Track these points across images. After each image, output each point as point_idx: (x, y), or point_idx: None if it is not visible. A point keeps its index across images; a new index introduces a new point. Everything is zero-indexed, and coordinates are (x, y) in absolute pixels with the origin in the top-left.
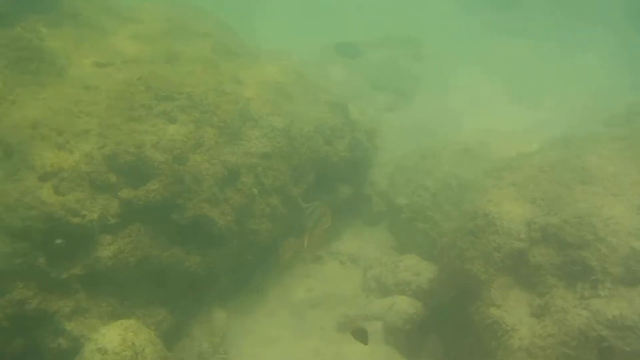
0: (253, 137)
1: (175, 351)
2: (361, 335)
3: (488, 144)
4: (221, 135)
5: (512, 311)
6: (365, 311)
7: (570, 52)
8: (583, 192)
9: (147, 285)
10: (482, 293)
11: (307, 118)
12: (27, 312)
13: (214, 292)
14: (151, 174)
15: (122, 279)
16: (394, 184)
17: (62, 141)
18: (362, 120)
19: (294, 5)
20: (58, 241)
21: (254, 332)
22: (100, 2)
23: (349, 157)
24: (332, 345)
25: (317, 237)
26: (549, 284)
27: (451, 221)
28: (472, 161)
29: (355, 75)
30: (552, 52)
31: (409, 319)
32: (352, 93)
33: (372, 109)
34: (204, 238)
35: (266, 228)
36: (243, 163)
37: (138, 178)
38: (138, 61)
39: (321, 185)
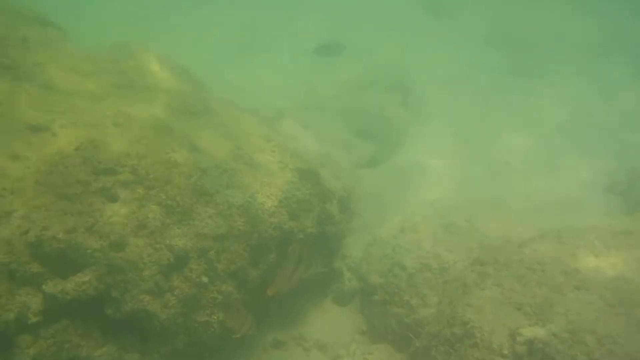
0: (206, 216)
1: None
2: None
3: (476, 218)
4: (169, 215)
5: None
6: None
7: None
8: (577, 301)
9: None
10: None
11: (270, 190)
12: None
13: None
14: (83, 263)
15: None
16: (368, 259)
17: None
18: (335, 186)
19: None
20: None
21: None
22: (40, 51)
23: (317, 233)
24: None
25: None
26: None
27: (429, 308)
28: (455, 239)
29: (339, 121)
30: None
31: None
32: (331, 143)
33: (351, 162)
34: (144, 332)
35: (218, 319)
36: (193, 247)
37: (67, 268)
38: (78, 124)
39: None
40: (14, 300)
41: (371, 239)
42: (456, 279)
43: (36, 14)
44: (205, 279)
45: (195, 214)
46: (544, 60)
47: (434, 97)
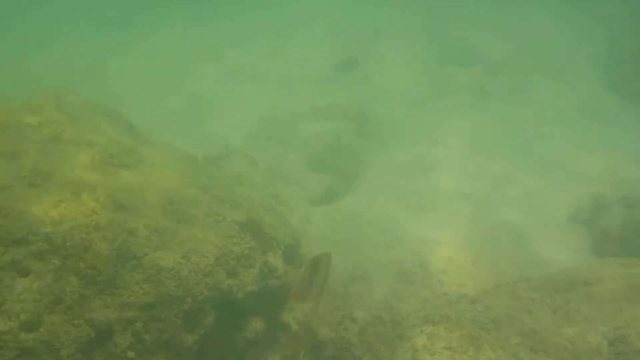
0: (133, 283)
1: None
2: None
3: (429, 264)
4: (89, 286)
5: None
6: None
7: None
8: None
9: None
10: None
11: (206, 248)
12: None
13: None
14: None
15: None
16: (317, 311)
17: None
18: (282, 233)
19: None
20: None
21: None
22: None
23: (258, 290)
24: None
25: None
26: None
27: None
28: (409, 288)
29: (292, 154)
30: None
31: None
32: (284, 179)
33: (306, 198)
34: None
35: None
36: (118, 318)
37: None
38: None
39: (225, 323)
40: None
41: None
42: (407, 338)
43: None
44: (131, 354)
45: (120, 282)
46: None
47: (392, 122)
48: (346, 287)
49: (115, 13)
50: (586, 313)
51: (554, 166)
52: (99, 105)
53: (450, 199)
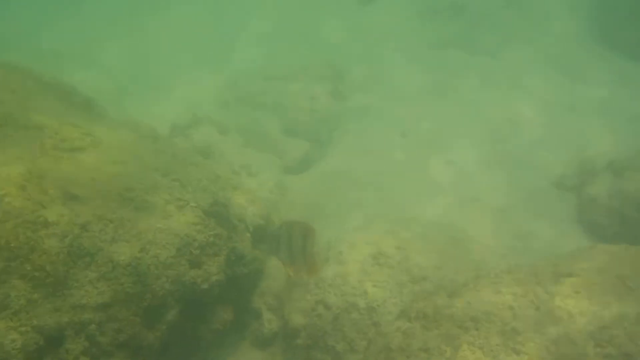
0: (86, 282)
1: None
2: None
3: (408, 244)
4: (37, 289)
5: None
6: None
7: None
8: None
9: None
10: None
11: (166, 238)
12: None
13: None
14: None
15: None
16: (289, 296)
17: None
18: (250, 213)
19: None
20: None
21: None
22: None
23: (225, 279)
24: None
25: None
26: None
27: (356, 354)
28: (385, 272)
29: (266, 118)
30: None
31: None
32: (257, 145)
33: (282, 166)
34: None
35: None
36: (69, 322)
37: None
38: None
39: (189, 316)
40: None
41: None
42: (380, 334)
43: None
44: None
45: (72, 282)
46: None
47: (373, 83)
48: (321, 265)
49: None
50: (571, 310)
51: (537, 130)
52: (51, 83)
53: (436, 166)
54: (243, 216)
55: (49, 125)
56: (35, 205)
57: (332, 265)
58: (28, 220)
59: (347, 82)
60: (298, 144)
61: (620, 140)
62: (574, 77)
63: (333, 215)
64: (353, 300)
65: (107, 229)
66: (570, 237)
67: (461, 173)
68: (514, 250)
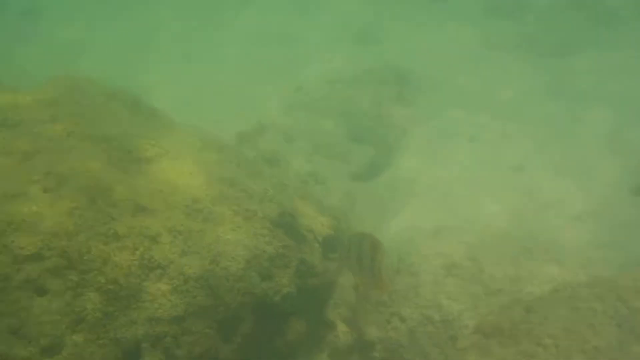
0: (159, 294)
1: None
2: None
3: (482, 255)
4: (111, 302)
5: None
6: None
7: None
8: None
9: None
10: None
11: (235, 250)
12: None
13: None
14: None
15: None
16: (363, 307)
17: None
18: (319, 223)
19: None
20: None
21: None
22: None
23: (296, 291)
24: None
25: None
26: None
27: None
28: (459, 284)
29: (331, 125)
30: None
31: None
32: (324, 153)
33: (349, 174)
34: None
35: None
36: (145, 335)
37: None
38: None
39: (264, 327)
40: None
41: None
42: (457, 349)
43: None
44: None
45: (146, 295)
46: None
47: (438, 87)
48: (392, 281)
49: None
50: None
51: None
52: (116, 92)
53: (499, 172)
54: (312, 226)
55: (116, 136)
56: (105, 218)
57: (404, 277)
58: (99, 233)
59: (413, 86)
60: (364, 150)
61: None
62: None
63: (402, 224)
64: (428, 313)
65: (176, 241)
66: None
67: (532, 179)
68: (592, 261)
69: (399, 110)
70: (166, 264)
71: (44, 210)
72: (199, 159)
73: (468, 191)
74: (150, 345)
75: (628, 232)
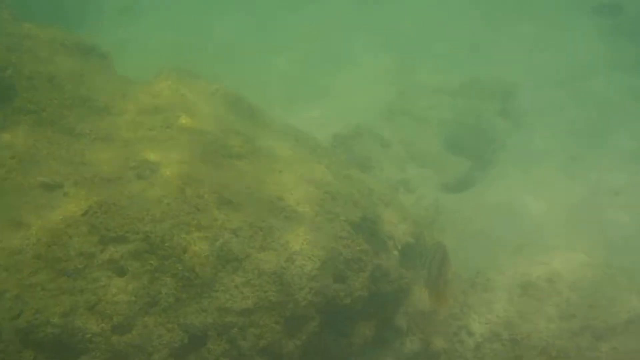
0: (232, 286)
1: None
2: None
3: (560, 277)
4: (185, 289)
5: None
6: None
7: None
8: None
9: None
10: None
11: (312, 250)
12: None
13: None
14: (80, 349)
15: None
16: (433, 317)
17: None
18: (400, 231)
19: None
20: None
21: None
22: (68, 89)
23: (368, 296)
24: None
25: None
26: None
27: None
28: (533, 304)
29: (429, 133)
30: None
31: None
32: (419, 159)
33: (440, 183)
34: None
35: None
36: (213, 324)
37: (64, 354)
38: (95, 180)
39: (330, 328)
40: None
41: None
42: None
43: (77, 41)
44: None
45: (219, 285)
46: None
47: (544, 103)
48: (465, 294)
49: None
50: None
51: None
52: (217, 89)
53: (600, 193)
54: (392, 233)
55: (212, 130)
56: (191, 208)
57: (478, 291)
58: (183, 222)
59: (519, 102)
60: (460, 162)
61: None
62: None
63: (486, 240)
64: (497, 330)
65: (256, 236)
66: None
67: (629, 204)
68: None
69: (501, 125)
70: (243, 257)
71: (135, 197)
72: (291, 158)
73: (560, 213)
74: (217, 334)
75: None
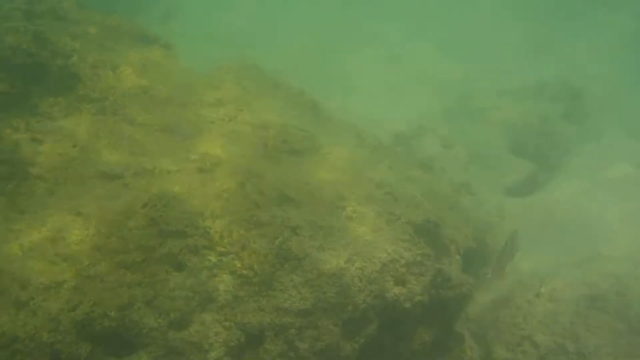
0: (290, 285)
1: None
2: None
3: (630, 291)
4: (243, 286)
5: None
6: None
7: None
8: None
9: None
10: None
11: (373, 252)
12: None
13: None
14: (137, 344)
15: None
16: (496, 325)
17: (24, 298)
18: (462, 235)
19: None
20: None
21: None
22: (131, 79)
23: (428, 301)
24: None
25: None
26: None
27: None
28: (601, 317)
29: (492, 135)
30: None
31: None
32: (481, 161)
33: (503, 186)
34: None
35: None
36: (271, 323)
37: (120, 348)
38: (156, 172)
39: (389, 331)
40: None
41: (502, 299)
42: None
43: (140, 31)
44: None
45: (277, 284)
46: None
47: (612, 108)
48: (530, 304)
49: None
50: None
51: None
52: (281, 84)
53: None
54: (455, 237)
55: (273, 125)
56: (250, 204)
57: (543, 301)
58: (242, 218)
59: (586, 106)
60: (524, 165)
61: None
62: None
63: (552, 247)
64: (562, 343)
65: (317, 235)
66: None
67: None
68: None
69: (567, 129)
70: (302, 257)
71: (195, 190)
72: (351, 156)
73: (632, 223)
74: (274, 334)
75: None
